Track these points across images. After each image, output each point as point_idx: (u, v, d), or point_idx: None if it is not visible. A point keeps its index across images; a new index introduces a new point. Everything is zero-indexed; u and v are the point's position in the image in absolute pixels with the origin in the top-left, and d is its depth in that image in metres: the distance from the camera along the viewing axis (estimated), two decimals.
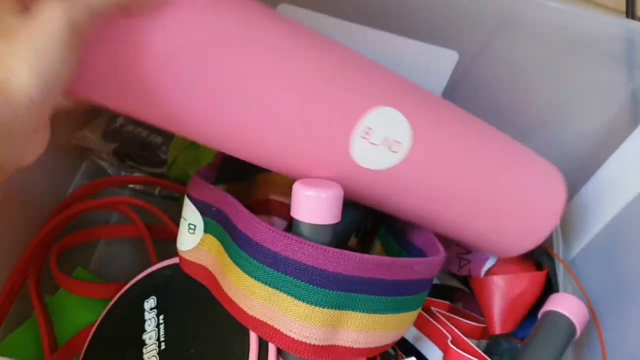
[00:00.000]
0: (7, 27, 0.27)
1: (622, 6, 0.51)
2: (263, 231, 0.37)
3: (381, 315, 0.38)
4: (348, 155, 0.38)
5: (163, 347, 0.42)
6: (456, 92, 0.51)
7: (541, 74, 0.50)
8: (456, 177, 0.42)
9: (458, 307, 0.55)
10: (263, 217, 0.44)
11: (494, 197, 0.44)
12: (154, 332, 0.43)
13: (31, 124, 0.27)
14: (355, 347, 0.38)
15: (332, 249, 0.36)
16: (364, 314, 0.38)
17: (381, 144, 0.38)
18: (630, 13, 0.51)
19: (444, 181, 0.41)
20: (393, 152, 0.38)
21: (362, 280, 0.37)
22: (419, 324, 0.48)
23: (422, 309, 0.47)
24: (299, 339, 0.36)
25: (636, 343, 0.46)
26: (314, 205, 0.37)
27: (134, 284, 0.48)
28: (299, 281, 0.36)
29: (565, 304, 0.46)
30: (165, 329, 0.43)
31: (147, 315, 0.45)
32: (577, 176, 0.56)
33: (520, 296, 0.51)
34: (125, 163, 0.62)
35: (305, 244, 0.36)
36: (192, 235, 0.43)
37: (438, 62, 0.49)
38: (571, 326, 0.45)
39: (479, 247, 0.49)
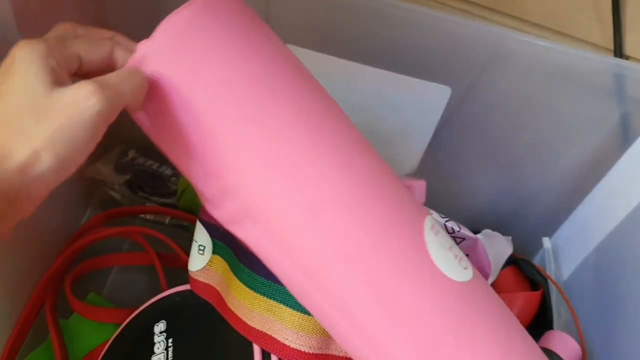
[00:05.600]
0: (37, 104, 0.28)
1: (610, 44, 0.53)
2: None
3: None
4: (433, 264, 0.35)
5: None
6: (449, 125, 0.53)
7: (532, 106, 0.51)
8: None
9: None
10: None
11: None
12: (162, 354, 0.45)
13: (34, 200, 0.29)
14: (348, 356, 0.40)
15: None
16: None
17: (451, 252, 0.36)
18: (618, 52, 0.52)
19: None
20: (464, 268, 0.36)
21: None
22: None
23: None
24: (294, 346, 0.38)
25: None
26: None
27: (145, 309, 0.49)
28: None
29: (560, 345, 0.47)
30: (173, 352, 0.44)
31: (156, 339, 0.46)
32: (569, 201, 0.58)
33: (517, 314, 0.52)
34: (136, 194, 0.65)
35: None
36: (201, 256, 0.45)
37: (431, 98, 0.51)
38: None
39: None
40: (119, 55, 0.34)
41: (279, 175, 0.33)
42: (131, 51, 0.34)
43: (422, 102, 0.51)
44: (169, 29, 0.33)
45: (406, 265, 0.34)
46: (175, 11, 0.33)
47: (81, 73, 0.32)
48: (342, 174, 0.34)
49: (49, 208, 0.55)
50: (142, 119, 0.35)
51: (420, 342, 0.33)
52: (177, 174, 0.65)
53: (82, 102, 0.28)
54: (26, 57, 0.29)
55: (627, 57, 0.53)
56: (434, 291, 0.34)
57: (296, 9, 0.49)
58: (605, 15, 0.52)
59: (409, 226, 0.35)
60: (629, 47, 0.53)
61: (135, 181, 0.64)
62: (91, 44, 0.33)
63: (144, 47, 0.33)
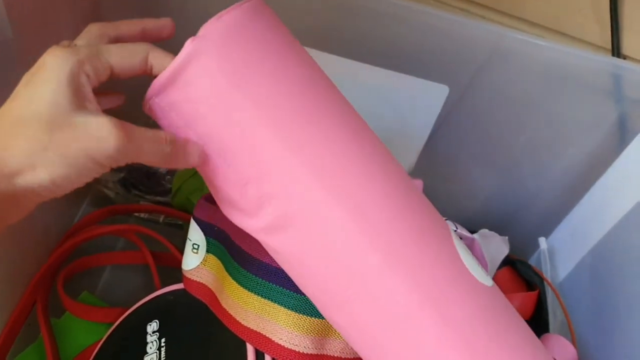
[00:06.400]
0: (54, 120, 0.28)
1: (608, 44, 0.53)
2: (255, 244, 0.39)
3: None
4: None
5: None
6: (446, 124, 0.53)
7: (529, 105, 0.51)
8: None
9: None
10: None
11: None
12: (155, 354, 0.44)
13: (21, 208, 0.29)
14: (344, 357, 0.39)
15: None
16: None
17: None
18: (615, 51, 0.52)
19: None
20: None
21: None
22: None
23: None
24: (289, 347, 0.38)
25: None
26: None
27: (137, 308, 0.49)
28: (288, 291, 0.38)
29: (557, 348, 0.47)
30: (166, 352, 0.44)
31: (149, 338, 0.45)
32: (565, 201, 0.58)
33: None
34: (130, 192, 0.64)
35: None
36: (195, 255, 0.45)
37: (429, 96, 0.50)
38: None
39: None
40: (155, 61, 0.32)
41: (328, 178, 0.33)
42: (167, 57, 0.33)
43: (419, 101, 0.51)
44: (220, 28, 0.32)
45: (449, 268, 0.34)
46: (226, 11, 0.32)
47: (112, 78, 0.32)
48: (383, 177, 0.34)
49: (42, 205, 0.54)
50: (176, 123, 0.34)
51: (469, 346, 0.33)
52: (171, 172, 0.64)
53: (99, 140, 0.28)
54: (57, 68, 0.28)
55: (625, 57, 0.53)
56: (476, 294, 0.34)
57: (294, 8, 0.48)
58: (604, 15, 0.52)
59: (442, 232, 0.36)
60: (626, 47, 0.53)
61: (130, 179, 0.64)
62: (125, 54, 0.31)
63: (191, 45, 0.32)
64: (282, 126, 0.33)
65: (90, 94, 0.30)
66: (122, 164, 0.30)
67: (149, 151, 0.30)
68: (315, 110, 0.34)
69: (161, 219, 0.65)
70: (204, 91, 0.32)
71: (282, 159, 0.33)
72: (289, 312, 0.38)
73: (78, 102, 0.28)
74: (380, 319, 0.34)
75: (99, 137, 0.28)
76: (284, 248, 0.35)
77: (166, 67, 0.32)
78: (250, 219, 0.35)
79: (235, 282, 0.41)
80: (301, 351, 0.38)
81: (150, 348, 0.45)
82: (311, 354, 0.39)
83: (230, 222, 0.42)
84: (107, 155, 0.28)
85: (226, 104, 0.32)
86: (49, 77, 0.28)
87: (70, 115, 0.28)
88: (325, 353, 0.39)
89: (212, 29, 0.32)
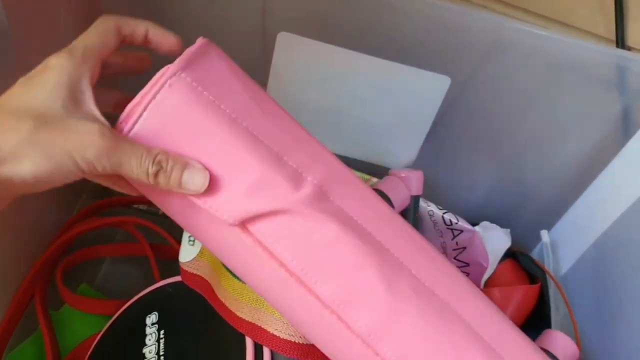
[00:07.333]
0: (47, 117, 0.29)
1: (613, 35, 0.52)
2: None
3: None
4: None
5: None
6: (448, 116, 0.52)
7: (532, 97, 0.51)
8: None
9: None
10: None
11: None
12: (154, 346, 0.44)
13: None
14: None
15: None
16: None
17: None
18: (620, 42, 0.52)
19: None
20: None
21: None
22: None
23: None
24: (284, 337, 0.38)
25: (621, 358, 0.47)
26: None
27: (137, 300, 0.49)
28: None
29: (559, 347, 0.47)
30: (165, 343, 0.44)
31: (148, 330, 0.46)
32: (568, 194, 0.57)
33: (516, 308, 0.53)
34: None
35: None
36: (191, 247, 0.45)
37: (430, 87, 0.50)
38: None
39: None
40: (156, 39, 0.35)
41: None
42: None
43: (420, 92, 0.50)
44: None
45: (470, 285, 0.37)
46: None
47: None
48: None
49: (40, 196, 0.54)
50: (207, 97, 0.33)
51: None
52: None
53: (83, 145, 0.29)
54: (57, 72, 0.30)
55: (629, 48, 0.53)
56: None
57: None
58: (608, 6, 0.52)
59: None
60: (631, 38, 0.53)
61: None
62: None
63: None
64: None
65: (88, 99, 0.31)
66: (104, 171, 0.30)
67: (132, 167, 0.30)
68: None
69: (160, 211, 0.64)
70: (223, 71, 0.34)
71: (301, 130, 0.35)
72: None
73: (73, 106, 0.30)
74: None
75: (82, 141, 0.29)
76: (331, 214, 0.33)
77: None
78: (295, 192, 0.33)
79: (230, 274, 0.41)
80: (297, 341, 0.38)
81: (150, 340, 0.45)
82: (307, 344, 0.39)
83: None
84: (87, 161, 0.29)
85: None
86: (48, 79, 0.29)
87: (62, 118, 0.29)
88: None
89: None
